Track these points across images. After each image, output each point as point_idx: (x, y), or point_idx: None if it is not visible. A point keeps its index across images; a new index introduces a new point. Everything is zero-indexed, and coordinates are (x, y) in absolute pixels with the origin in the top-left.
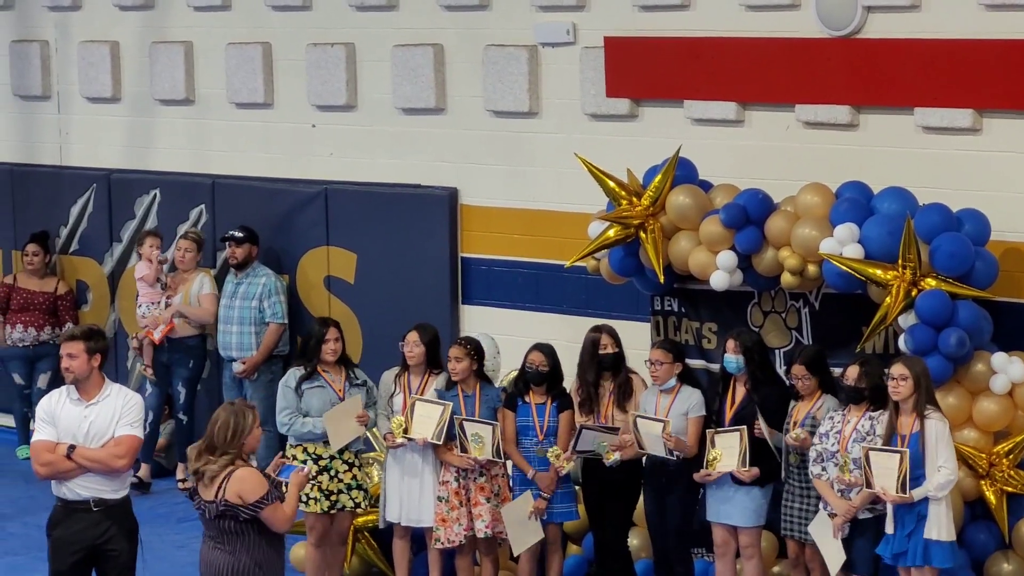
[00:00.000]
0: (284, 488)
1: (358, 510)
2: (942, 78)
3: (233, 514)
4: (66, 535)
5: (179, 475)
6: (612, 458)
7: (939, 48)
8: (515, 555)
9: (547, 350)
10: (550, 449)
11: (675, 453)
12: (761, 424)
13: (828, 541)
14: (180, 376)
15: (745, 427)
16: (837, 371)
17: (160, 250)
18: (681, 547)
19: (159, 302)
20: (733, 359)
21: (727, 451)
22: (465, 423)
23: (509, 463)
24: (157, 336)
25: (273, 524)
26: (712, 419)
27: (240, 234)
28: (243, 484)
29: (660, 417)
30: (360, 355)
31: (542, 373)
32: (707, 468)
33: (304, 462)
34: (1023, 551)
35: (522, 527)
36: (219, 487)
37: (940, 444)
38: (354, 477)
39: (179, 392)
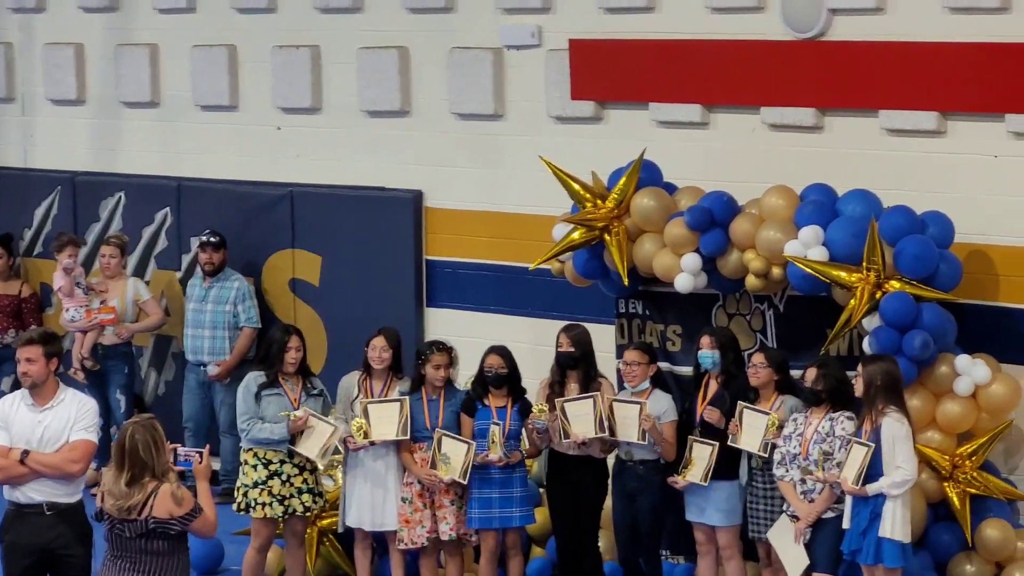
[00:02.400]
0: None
1: (308, 514)
2: (907, 80)
3: (163, 531)
4: (18, 539)
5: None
6: (543, 418)
7: (904, 51)
8: None
9: (503, 352)
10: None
11: (648, 438)
12: (739, 419)
13: (789, 546)
14: (116, 383)
15: (717, 444)
16: (798, 373)
17: (76, 259)
18: (652, 549)
19: (87, 306)
20: (709, 354)
21: (699, 461)
22: (444, 438)
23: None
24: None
25: (204, 532)
26: (683, 417)
27: (216, 239)
28: (173, 499)
29: (635, 399)
30: (325, 357)
31: (501, 375)
32: (679, 475)
33: (255, 466)
34: (986, 553)
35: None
36: (144, 506)
37: (897, 444)
38: (305, 481)
39: (118, 400)
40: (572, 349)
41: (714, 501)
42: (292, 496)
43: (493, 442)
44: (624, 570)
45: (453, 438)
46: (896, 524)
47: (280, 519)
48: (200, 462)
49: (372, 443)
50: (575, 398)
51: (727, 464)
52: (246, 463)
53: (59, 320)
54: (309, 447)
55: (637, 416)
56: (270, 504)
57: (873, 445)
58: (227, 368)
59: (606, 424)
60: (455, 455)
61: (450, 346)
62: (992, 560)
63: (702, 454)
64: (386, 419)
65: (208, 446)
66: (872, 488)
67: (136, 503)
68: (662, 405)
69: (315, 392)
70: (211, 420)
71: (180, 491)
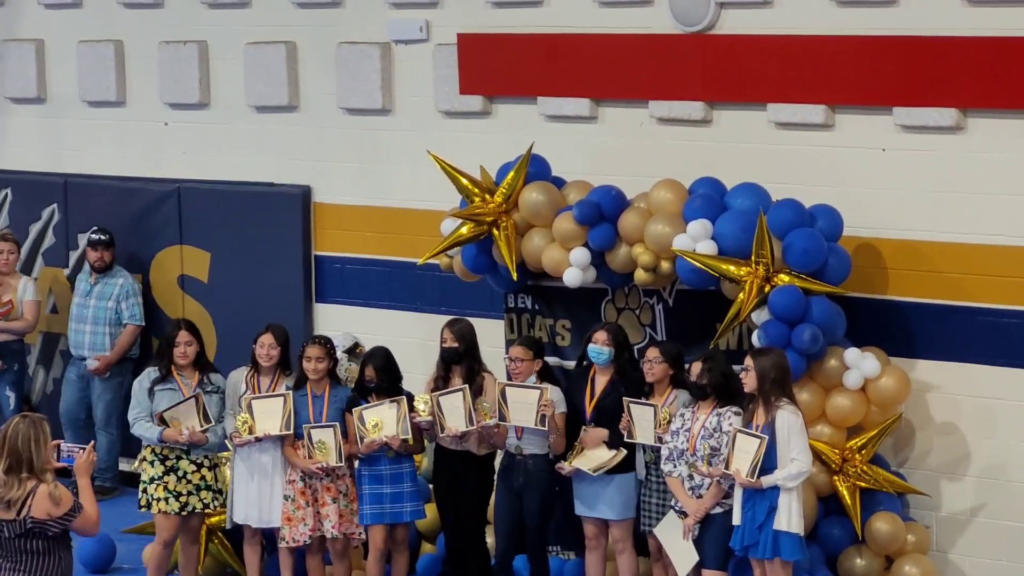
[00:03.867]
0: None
1: (207, 511)
2: (795, 74)
3: (41, 531)
4: None
5: None
6: (425, 413)
7: (792, 44)
8: None
9: (378, 363)
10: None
11: (546, 422)
12: (628, 414)
13: (677, 543)
14: (7, 380)
15: (616, 451)
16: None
17: None
18: (539, 545)
19: None
20: (605, 351)
21: (591, 454)
22: (312, 430)
23: (356, 462)
24: None
25: (86, 530)
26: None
27: (106, 237)
28: (50, 499)
29: (535, 385)
30: (214, 354)
31: (380, 387)
32: (567, 460)
33: (152, 462)
34: (876, 546)
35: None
36: (22, 506)
37: (793, 436)
38: (203, 478)
39: (7, 396)
40: (456, 344)
41: (608, 495)
42: (191, 493)
43: (424, 404)
44: (501, 569)
45: (319, 426)
46: (792, 517)
47: (177, 515)
48: (81, 455)
49: (257, 439)
50: (447, 391)
51: (623, 458)
52: (144, 459)
53: None
54: (267, 427)
55: (536, 402)
56: (166, 500)
57: (766, 437)
58: (106, 363)
59: (475, 418)
60: (326, 441)
61: (326, 339)
62: (882, 553)
63: (597, 453)
64: (270, 414)
65: (93, 442)
66: (767, 480)
67: (15, 498)
68: (552, 398)
69: (210, 388)
70: (87, 414)
71: (58, 491)
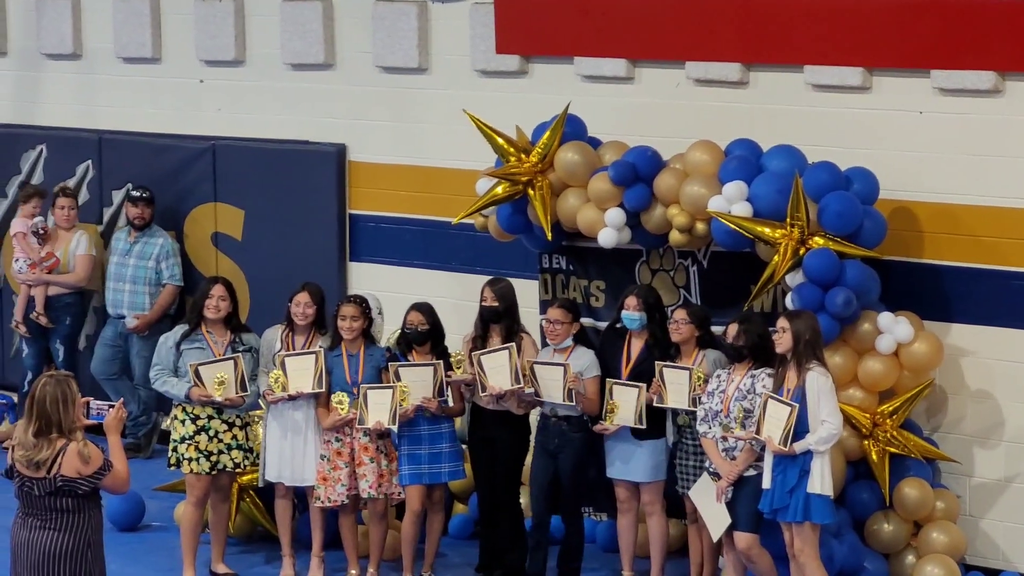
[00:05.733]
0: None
1: (238, 470)
2: (832, 36)
3: (70, 490)
4: None
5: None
6: (459, 371)
7: (830, 6)
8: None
9: (425, 308)
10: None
11: (574, 396)
12: (660, 379)
13: (711, 505)
14: (59, 334)
15: (644, 385)
16: (720, 329)
17: (41, 211)
18: (574, 506)
19: (33, 260)
20: (636, 316)
21: (624, 404)
22: (369, 391)
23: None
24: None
25: (115, 488)
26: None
27: (147, 194)
28: (80, 458)
29: (559, 362)
30: (247, 312)
31: (422, 332)
32: (605, 420)
33: (183, 420)
34: (904, 512)
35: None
36: (52, 464)
37: (823, 398)
38: (234, 437)
39: (58, 350)
40: (496, 303)
41: (639, 457)
42: (221, 452)
43: (459, 361)
44: (538, 528)
45: (378, 388)
46: (824, 480)
47: (208, 475)
48: (111, 412)
49: (291, 397)
50: (490, 350)
51: (653, 423)
52: (175, 418)
53: (8, 270)
54: (300, 384)
55: (562, 377)
56: (197, 460)
57: (797, 405)
58: (146, 321)
59: (522, 376)
60: (380, 404)
61: (361, 298)
62: (910, 519)
63: (628, 397)
64: (303, 372)
65: (122, 400)
66: (799, 446)
67: (44, 459)
68: (584, 361)
69: (242, 348)
70: (121, 373)
71: (87, 449)
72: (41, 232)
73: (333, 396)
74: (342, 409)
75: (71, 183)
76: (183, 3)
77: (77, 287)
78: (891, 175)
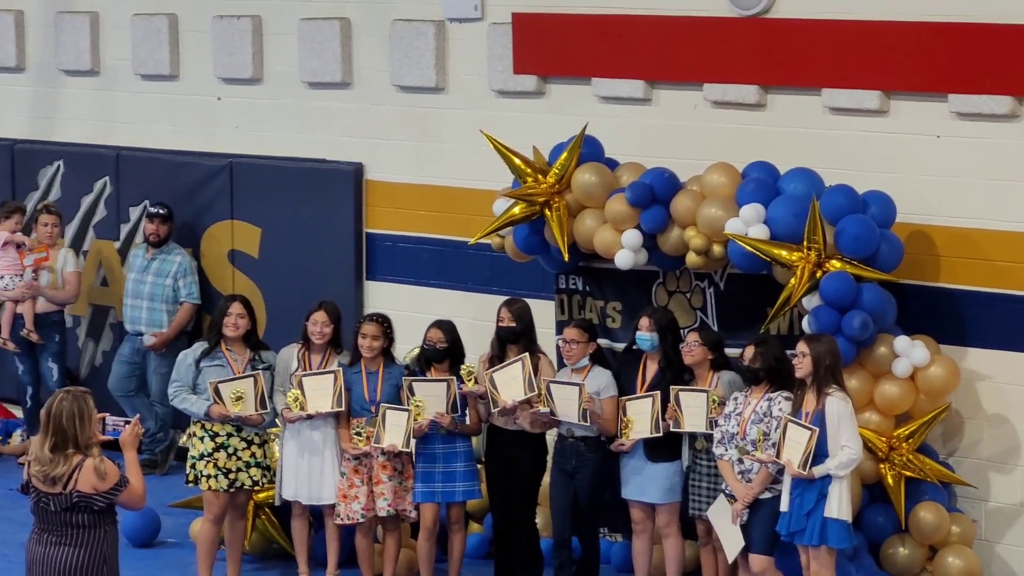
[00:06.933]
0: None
1: (255, 487)
2: (850, 59)
3: (87, 505)
4: None
5: (22, 458)
6: (470, 383)
7: (847, 29)
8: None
9: (446, 327)
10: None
11: (589, 417)
12: (676, 403)
13: (727, 527)
14: (49, 352)
15: (658, 392)
16: (736, 352)
17: (21, 227)
18: (590, 527)
19: (22, 275)
20: (648, 337)
21: (639, 417)
22: (388, 411)
23: (412, 442)
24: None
25: (131, 504)
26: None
27: (164, 211)
28: (96, 473)
29: (574, 381)
30: (263, 330)
31: (441, 350)
32: (621, 437)
33: (202, 437)
34: (919, 536)
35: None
36: (68, 479)
37: (843, 423)
38: (253, 455)
39: (50, 368)
40: (513, 324)
41: (654, 479)
42: (240, 470)
43: (469, 374)
44: (558, 548)
45: (395, 409)
46: (842, 504)
47: (226, 492)
48: (126, 428)
49: (309, 416)
50: (500, 366)
51: (668, 445)
52: (194, 435)
53: None
54: (319, 404)
55: (577, 397)
56: (215, 477)
57: (817, 429)
58: (164, 339)
59: (538, 396)
60: (397, 425)
61: (383, 317)
62: (925, 543)
63: (642, 409)
64: (321, 391)
65: (139, 416)
66: (819, 470)
67: (60, 474)
68: (601, 381)
69: (262, 366)
70: (138, 389)
71: (104, 465)
72: (22, 247)
73: (352, 423)
74: (360, 442)
75: (88, 199)
76: (201, 20)
77: (68, 303)
78: (908, 199)
